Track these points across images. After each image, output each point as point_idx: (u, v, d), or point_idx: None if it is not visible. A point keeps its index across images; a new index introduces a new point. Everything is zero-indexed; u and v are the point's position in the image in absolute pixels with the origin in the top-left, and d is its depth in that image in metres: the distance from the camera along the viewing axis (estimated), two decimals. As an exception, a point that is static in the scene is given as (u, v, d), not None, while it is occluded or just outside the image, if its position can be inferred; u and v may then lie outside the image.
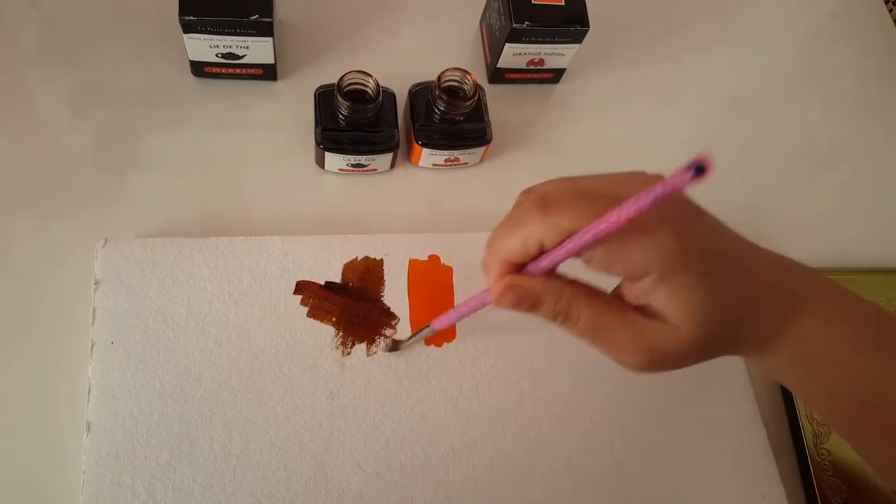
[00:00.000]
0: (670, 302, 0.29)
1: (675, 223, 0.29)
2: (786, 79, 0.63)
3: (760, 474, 0.44)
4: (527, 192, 0.31)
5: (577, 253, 0.29)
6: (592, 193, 0.29)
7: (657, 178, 0.29)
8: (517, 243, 0.30)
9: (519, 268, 0.31)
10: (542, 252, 0.30)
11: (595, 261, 0.29)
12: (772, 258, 0.33)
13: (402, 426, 0.42)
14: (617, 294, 0.32)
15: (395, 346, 0.44)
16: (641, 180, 0.29)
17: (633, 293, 0.31)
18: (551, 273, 0.31)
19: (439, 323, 0.39)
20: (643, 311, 0.30)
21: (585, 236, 0.27)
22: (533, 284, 0.30)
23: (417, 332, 0.42)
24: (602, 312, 0.31)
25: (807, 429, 0.46)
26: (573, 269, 0.31)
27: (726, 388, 0.47)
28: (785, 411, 0.48)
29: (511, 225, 0.30)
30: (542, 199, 0.29)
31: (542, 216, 0.28)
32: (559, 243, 0.29)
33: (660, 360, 0.31)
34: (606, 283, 0.31)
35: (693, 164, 0.22)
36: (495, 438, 0.43)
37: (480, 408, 0.43)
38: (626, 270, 0.29)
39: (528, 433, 0.43)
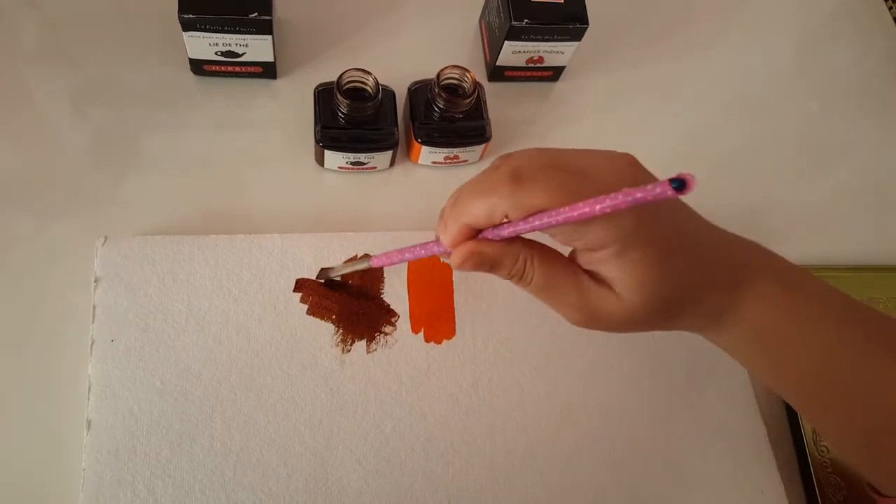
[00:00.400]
0: (620, 275, 0.31)
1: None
2: (785, 78, 0.63)
3: (760, 472, 0.44)
4: (504, 157, 0.31)
5: (541, 229, 0.29)
6: (568, 169, 0.29)
7: (637, 171, 0.30)
8: (483, 211, 0.30)
9: (477, 232, 0.32)
10: (504, 222, 0.30)
11: (558, 236, 0.30)
12: (727, 237, 0.34)
13: (401, 423, 0.42)
14: (570, 256, 0.33)
15: (322, 274, 0.44)
16: (620, 167, 0.30)
17: (586, 260, 0.32)
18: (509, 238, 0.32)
19: (378, 260, 0.39)
20: (592, 275, 0.32)
21: (555, 219, 0.28)
22: (493, 251, 0.31)
23: (351, 263, 0.41)
24: (553, 273, 0.32)
25: (806, 426, 0.46)
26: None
27: (726, 387, 0.47)
28: (784, 409, 0.48)
29: (480, 191, 0.30)
30: (514, 172, 0.29)
31: (512, 190, 0.29)
32: (524, 218, 0.29)
33: (600, 322, 0.32)
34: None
35: (676, 180, 0.23)
36: (495, 436, 0.43)
37: (480, 405, 0.43)
38: (584, 244, 0.30)
39: (528, 431, 0.43)
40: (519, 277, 0.32)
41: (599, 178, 0.29)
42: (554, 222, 0.28)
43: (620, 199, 0.25)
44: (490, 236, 0.31)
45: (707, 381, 0.47)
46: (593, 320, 0.32)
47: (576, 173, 0.29)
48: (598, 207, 0.26)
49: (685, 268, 0.31)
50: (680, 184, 0.23)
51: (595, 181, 0.29)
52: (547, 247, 0.33)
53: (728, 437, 0.45)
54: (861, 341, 0.33)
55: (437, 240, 0.33)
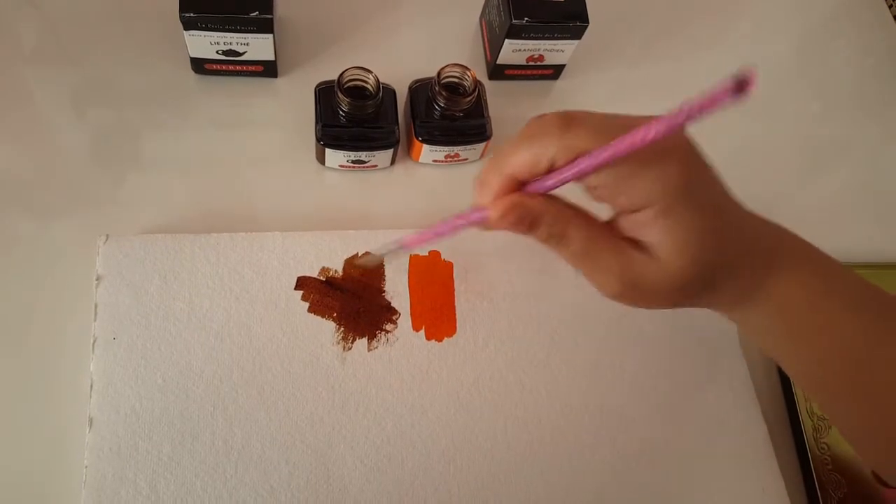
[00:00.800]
0: (662, 237, 0.29)
1: (681, 161, 0.29)
2: (785, 77, 0.63)
3: (761, 469, 0.45)
4: (540, 115, 0.30)
5: (587, 174, 0.28)
6: (619, 122, 0.28)
7: (684, 134, 0.29)
8: (528, 158, 0.29)
9: (520, 186, 0.30)
10: (550, 171, 0.29)
11: (600, 189, 0.29)
12: (760, 219, 0.33)
13: (402, 421, 0.42)
14: (610, 224, 0.32)
15: (360, 260, 0.43)
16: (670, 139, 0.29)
17: (629, 225, 0.31)
18: (550, 195, 0.30)
19: (410, 238, 0.36)
20: (633, 243, 0.31)
21: (604, 154, 0.26)
22: (535, 204, 0.30)
23: (387, 249, 0.38)
24: (595, 238, 0.31)
25: (807, 423, 0.46)
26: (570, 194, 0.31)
27: (727, 385, 0.47)
28: (785, 406, 0.48)
29: (524, 139, 0.29)
30: (563, 115, 0.28)
31: (562, 132, 0.28)
32: (570, 163, 0.28)
33: (639, 291, 0.31)
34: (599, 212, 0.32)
35: (735, 80, 0.20)
36: (496, 433, 0.43)
37: (481, 403, 0.44)
38: (629, 201, 0.29)
39: (529, 428, 0.43)
40: (558, 240, 0.31)
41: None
42: (606, 157, 0.26)
43: (676, 116, 0.23)
44: (532, 190, 0.30)
45: (708, 380, 0.47)
46: (632, 289, 0.31)
47: (623, 120, 0.28)
48: (653, 131, 0.24)
49: (725, 237, 0.31)
50: (740, 84, 0.20)
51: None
52: (588, 212, 0.31)
53: (729, 435, 0.45)
54: (888, 335, 0.32)
55: (473, 208, 0.31)
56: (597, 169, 0.28)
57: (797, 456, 0.47)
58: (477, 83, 0.47)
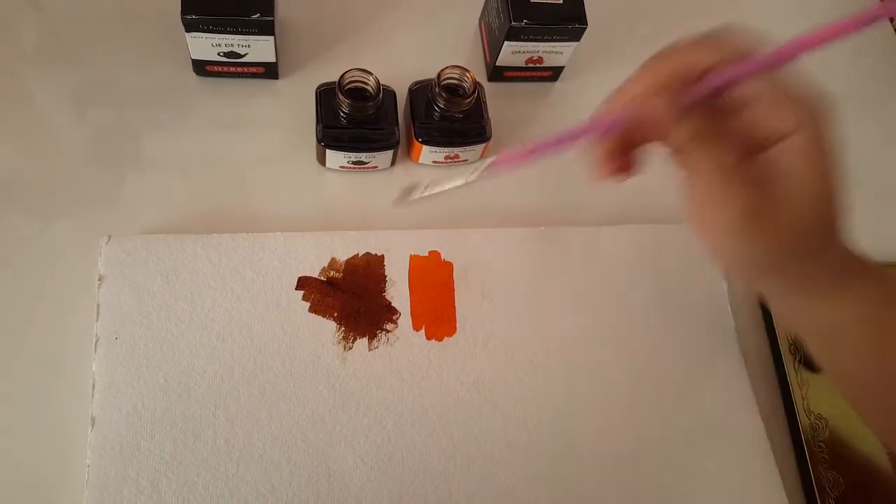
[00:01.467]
0: (807, 168, 0.28)
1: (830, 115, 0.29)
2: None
3: (758, 468, 0.45)
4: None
5: (754, 75, 0.27)
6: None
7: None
8: (685, 61, 0.28)
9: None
10: (702, 77, 0.28)
11: (758, 108, 0.29)
12: None
13: (403, 420, 0.43)
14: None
15: (407, 195, 0.37)
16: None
17: (761, 161, 0.29)
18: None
19: (507, 156, 0.33)
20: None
21: (787, 51, 0.26)
22: (670, 104, 0.28)
23: (475, 171, 0.34)
24: (728, 153, 0.29)
25: (804, 422, 0.47)
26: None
27: (724, 384, 0.47)
28: (783, 405, 0.49)
29: (681, 46, 0.28)
30: (721, 31, 0.28)
31: (723, 40, 0.28)
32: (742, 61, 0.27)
33: (756, 227, 0.29)
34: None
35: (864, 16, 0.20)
36: (496, 432, 0.43)
37: (481, 402, 0.44)
38: (778, 123, 0.28)
39: (529, 427, 0.44)
40: (701, 145, 0.29)
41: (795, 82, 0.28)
42: (788, 53, 0.26)
43: (874, 11, 0.23)
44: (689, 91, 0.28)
45: (705, 379, 0.47)
46: (753, 219, 0.29)
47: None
48: (844, 25, 0.24)
49: (839, 200, 0.29)
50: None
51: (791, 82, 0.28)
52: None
53: (726, 434, 0.46)
54: None
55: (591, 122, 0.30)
56: (775, 67, 0.27)
57: (794, 455, 0.47)
58: (476, 85, 0.48)
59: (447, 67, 0.47)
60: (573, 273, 0.48)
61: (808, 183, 0.28)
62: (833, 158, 0.29)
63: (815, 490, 0.45)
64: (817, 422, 0.47)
